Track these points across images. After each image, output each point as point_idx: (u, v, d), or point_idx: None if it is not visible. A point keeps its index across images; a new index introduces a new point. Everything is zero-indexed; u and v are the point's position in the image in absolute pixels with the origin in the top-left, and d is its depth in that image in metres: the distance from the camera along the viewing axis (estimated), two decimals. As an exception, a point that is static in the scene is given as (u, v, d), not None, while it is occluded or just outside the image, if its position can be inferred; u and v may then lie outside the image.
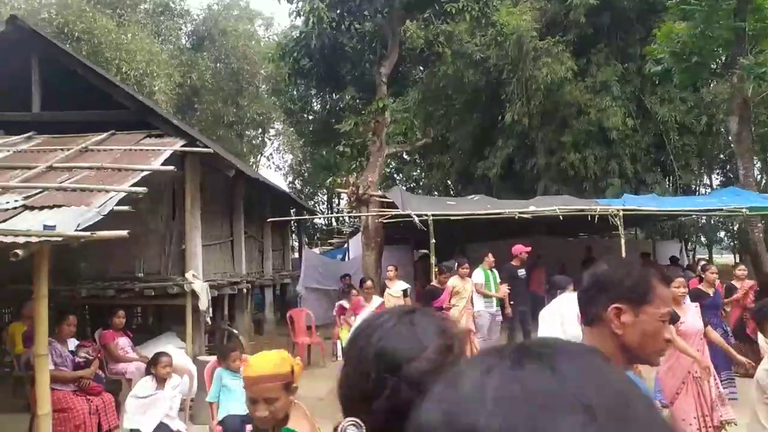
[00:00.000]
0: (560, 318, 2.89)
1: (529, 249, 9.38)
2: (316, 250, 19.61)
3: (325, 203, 30.84)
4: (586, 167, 16.74)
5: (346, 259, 16.36)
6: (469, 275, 8.63)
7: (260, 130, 25.05)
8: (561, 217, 9.93)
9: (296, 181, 27.60)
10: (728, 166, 20.61)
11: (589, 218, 10.05)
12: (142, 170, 6.09)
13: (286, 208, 15.68)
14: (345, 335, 10.36)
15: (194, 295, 8.32)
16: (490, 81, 18.41)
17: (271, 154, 27.67)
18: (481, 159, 19.31)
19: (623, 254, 9.49)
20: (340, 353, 10.39)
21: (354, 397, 1.11)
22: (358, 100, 16.47)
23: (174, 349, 7.29)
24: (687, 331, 4.91)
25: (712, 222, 20.82)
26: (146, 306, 11.06)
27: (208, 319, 8.92)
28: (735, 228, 21.11)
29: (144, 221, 8.43)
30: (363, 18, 12.79)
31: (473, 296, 8.62)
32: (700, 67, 12.14)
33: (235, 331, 9.94)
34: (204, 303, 8.40)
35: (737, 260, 15.62)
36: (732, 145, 18.89)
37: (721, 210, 10.57)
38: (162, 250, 8.97)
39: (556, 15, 17.88)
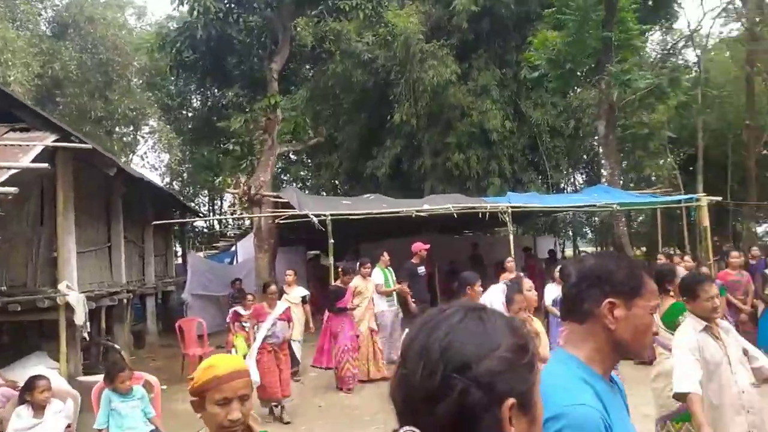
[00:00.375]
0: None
1: (428, 246, 9.52)
2: (201, 255, 18.56)
3: (207, 205, 29.41)
4: (469, 167, 17.45)
5: (235, 262, 15.64)
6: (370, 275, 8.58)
7: (132, 126, 23.24)
8: (455, 215, 10.22)
9: (174, 182, 25.99)
10: (591, 166, 22.57)
11: (480, 215, 10.43)
12: (9, 168, 5.28)
13: (169, 210, 14.64)
14: (240, 343, 9.84)
15: (68, 309, 7.43)
16: (378, 81, 18.59)
17: (145, 153, 25.85)
18: (369, 159, 19.46)
19: (512, 250, 9.95)
20: (235, 362, 9.85)
21: (413, 401, 0.99)
22: (243, 97, 15.85)
23: (46, 370, 6.44)
24: None
25: (578, 218, 22.68)
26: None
27: (85, 335, 8.02)
28: (597, 223, 23.18)
29: (5, 225, 7.37)
30: (252, 10, 12.27)
31: (374, 296, 8.57)
32: (572, 73, 13.09)
33: (117, 346, 9.05)
34: (80, 317, 7.54)
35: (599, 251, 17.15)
36: (596, 147, 20.82)
37: (595, 206, 11.51)
38: (29, 257, 7.91)
39: (440, 19, 18.46)
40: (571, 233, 26.35)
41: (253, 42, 13.11)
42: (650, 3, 16.18)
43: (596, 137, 18.84)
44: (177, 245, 18.57)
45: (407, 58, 17.06)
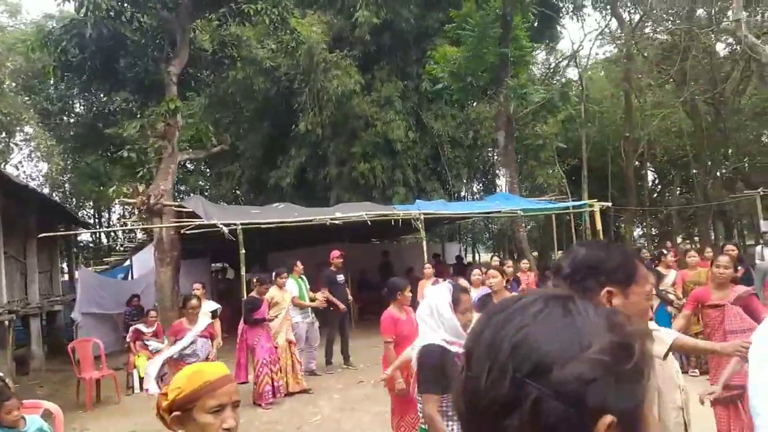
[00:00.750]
0: (430, 309, 3.01)
1: (342, 253, 9.47)
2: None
3: (93, 218, 27.26)
4: (374, 176, 17.64)
5: (130, 278, 14.60)
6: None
7: (5, 133, 21.11)
8: (368, 222, 10.27)
9: (55, 193, 23.87)
10: (487, 176, 23.67)
11: (393, 222, 10.55)
12: None
13: (55, 222, 13.39)
14: (142, 363, 9.20)
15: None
16: (282, 90, 18.35)
17: (20, 162, 23.54)
18: (273, 168, 19.10)
19: (425, 256, 10.16)
20: (137, 384, 9.18)
21: (478, 411, 0.78)
22: (133, 102, 14.93)
23: None
24: None
25: (478, 225, 23.69)
26: None
27: (-39, 362, 7.10)
28: (495, 230, 24.35)
29: None
30: (148, 10, 11.59)
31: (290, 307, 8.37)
32: (473, 86, 13.68)
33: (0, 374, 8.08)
34: (-44, 342, 6.66)
35: (497, 257, 18.02)
36: (492, 158, 21.88)
37: (500, 212, 12.07)
38: None
39: (342, 30, 18.56)
40: (471, 240, 27.45)
41: (149, 43, 12.38)
42: (536, 24, 17.41)
43: (493, 148, 19.89)
44: (63, 261, 17.05)
45: (311, 67, 16.98)
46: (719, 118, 18.22)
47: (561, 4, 20.80)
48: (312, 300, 8.78)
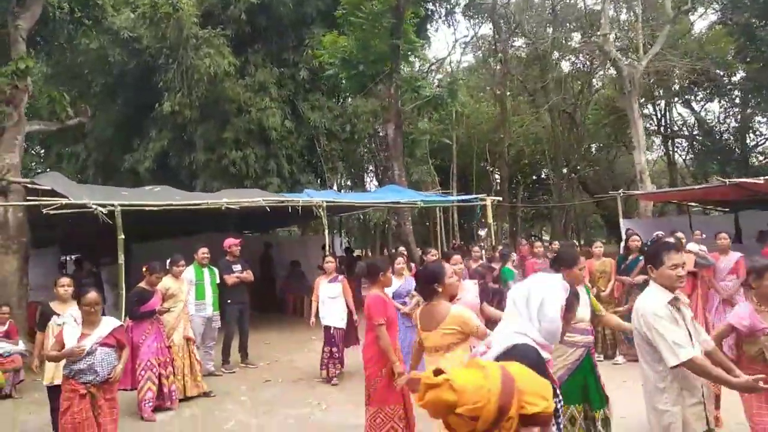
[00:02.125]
0: (533, 301, 2.34)
1: (240, 241, 8.56)
2: None
3: None
4: (247, 165, 16.59)
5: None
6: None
7: None
8: (268, 209, 9.45)
9: None
10: (361, 170, 23.54)
11: (290, 210, 9.84)
12: None
13: None
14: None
15: None
16: (142, 64, 16.50)
17: None
18: (128, 151, 17.13)
19: (327, 247, 9.63)
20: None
21: None
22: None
23: None
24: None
25: (354, 218, 23.48)
26: None
27: None
28: (371, 223, 24.33)
29: None
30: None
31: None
32: (364, 75, 13.39)
33: None
34: None
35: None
36: (366, 153, 21.85)
37: (399, 203, 11.90)
38: None
39: (214, 7, 17.23)
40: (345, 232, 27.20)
41: (-11, -11, 10.26)
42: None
43: (368, 143, 19.81)
44: None
45: (179, 42, 15.46)
46: (573, 127, 20.07)
47: (434, 8, 21.47)
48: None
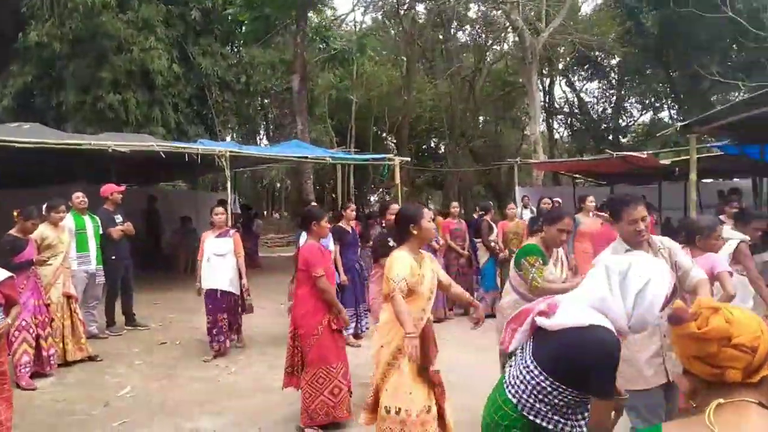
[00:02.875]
0: (627, 282, 1.88)
1: (123, 189, 7.56)
2: None
3: None
4: (126, 111, 15.04)
5: None
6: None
7: None
8: (163, 154, 8.45)
9: None
10: (253, 123, 22.30)
11: (186, 158, 8.92)
12: None
13: None
14: None
15: None
16: (0, -15, 14.16)
17: None
18: (-19, 86, 14.77)
19: (230, 198, 8.86)
20: None
21: None
22: None
23: None
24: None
25: (245, 176, 22.24)
26: None
27: None
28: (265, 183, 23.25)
29: None
30: None
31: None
32: (269, 21, 12.46)
33: None
34: None
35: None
36: (265, 107, 20.70)
37: (307, 158, 11.26)
38: None
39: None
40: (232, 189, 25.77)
41: None
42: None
43: (262, 97, 18.75)
44: None
45: (49, -38, 13.44)
46: (470, 96, 20.40)
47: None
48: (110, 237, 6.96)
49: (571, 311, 1.93)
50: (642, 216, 3.05)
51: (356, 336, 6.79)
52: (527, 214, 10.98)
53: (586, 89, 26.76)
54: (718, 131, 9.96)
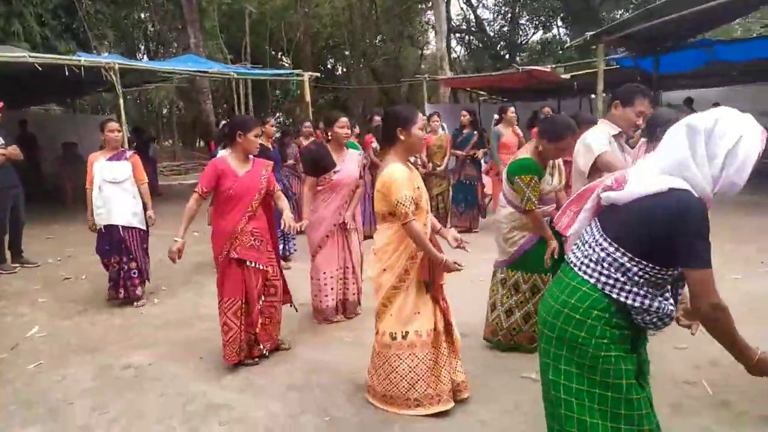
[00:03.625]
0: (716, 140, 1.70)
1: (1, 105, 6.42)
2: None
3: None
4: (-22, 24, 12.85)
5: None
6: None
7: None
8: (39, 67, 7.22)
9: None
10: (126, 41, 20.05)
11: (67, 72, 7.73)
12: None
13: None
14: None
15: None
16: None
17: None
18: None
19: (124, 128, 7.85)
20: None
21: None
22: None
23: None
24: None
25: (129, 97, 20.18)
26: None
27: None
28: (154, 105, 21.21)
29: None
30: None
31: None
32: None
33: None
34: None
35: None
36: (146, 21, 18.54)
37: (207, 72, 10.19)
38: None
39: None
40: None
41: None
42: None
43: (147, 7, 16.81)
44: None
45: None
46: (370, 13, 19.57)
47: None
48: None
49: (646, 179, 1.73)
50: (647, 112, 3.19)
51: (284, 258, 6.50)
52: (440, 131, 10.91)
53: (484, 3, 26.70)
54: (621, 42, 10.32)
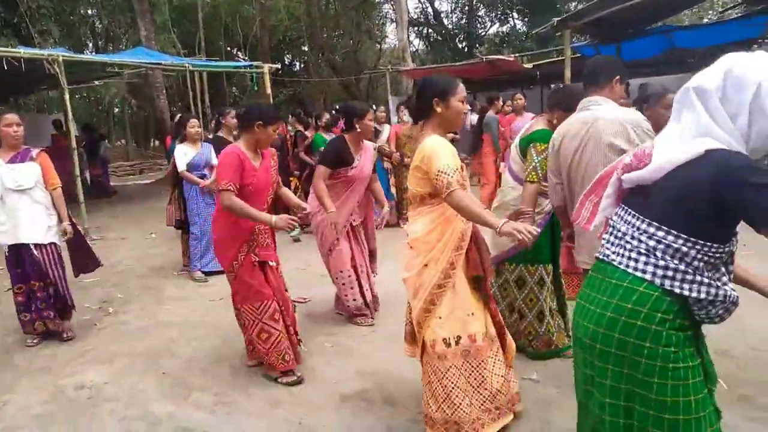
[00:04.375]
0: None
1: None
2: None
3: None
4: None
5: None
6: None
7: None
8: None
9: None
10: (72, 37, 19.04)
11: (5, 66, 7.12)
12: None
13: None
14: None
15: None
16: None
17: None
18: None
19: (70, 117, 7.28)
20: None
21: None
22: None
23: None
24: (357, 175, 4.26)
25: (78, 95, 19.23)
26: None
27: None
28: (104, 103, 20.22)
29: None
30: None
31: None
32: None
33: None
34: None
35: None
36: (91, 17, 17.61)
37: (161, 64, 9.60)
38: None
39: None
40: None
41: None
42: None
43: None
44: None
45: None
46: (327, 7, 19.14)
47: None
48: None
49: (675, 146, 1.48)
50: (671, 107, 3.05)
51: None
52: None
53: (443, -1, 26.50)
54: (585, 28, 10.27)
